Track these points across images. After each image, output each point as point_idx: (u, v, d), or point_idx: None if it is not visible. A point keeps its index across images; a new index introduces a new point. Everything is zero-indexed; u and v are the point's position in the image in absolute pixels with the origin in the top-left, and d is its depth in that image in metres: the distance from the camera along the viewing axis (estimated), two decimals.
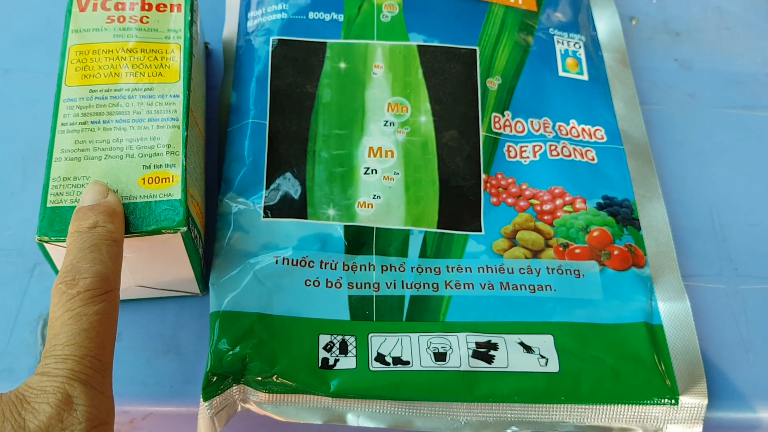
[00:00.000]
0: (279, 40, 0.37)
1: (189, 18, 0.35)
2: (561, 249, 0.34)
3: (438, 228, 0.34)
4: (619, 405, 0.30)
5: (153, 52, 0.34)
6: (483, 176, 0.35)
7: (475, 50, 0.38)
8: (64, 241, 0.28)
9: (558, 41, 0.39)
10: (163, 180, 0.30)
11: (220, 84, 0.38)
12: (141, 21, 0.34)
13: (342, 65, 0.37)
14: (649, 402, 0.30)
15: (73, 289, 0.24)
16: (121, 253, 0.26)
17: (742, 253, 0.36)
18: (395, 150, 0.35)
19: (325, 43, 0.37)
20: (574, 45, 0.40)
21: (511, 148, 0.36)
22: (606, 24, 0.42)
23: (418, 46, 0.37)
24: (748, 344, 0.34)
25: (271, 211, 0.33)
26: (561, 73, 0.38)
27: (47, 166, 0.30)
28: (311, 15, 0.37)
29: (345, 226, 0.33)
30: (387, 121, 0.36)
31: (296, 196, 0.33)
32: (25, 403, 0.23)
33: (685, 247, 0.36)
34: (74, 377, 0.23)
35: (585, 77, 0.39)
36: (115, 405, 0.24)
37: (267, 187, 0.33)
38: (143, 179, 0.30)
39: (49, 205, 0.29)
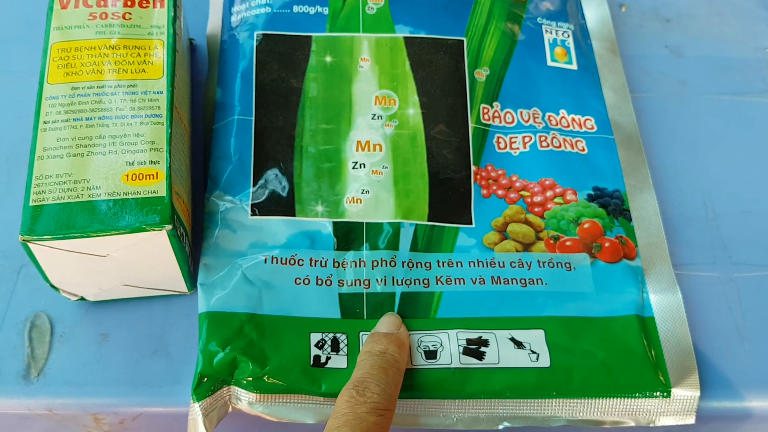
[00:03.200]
0: (263, 34, 0.36)
1: (172, 14, 0.34)
2: (552, 241, 0.33)
3: (428, 221, 0.33)
4: (611, 398, 0.30)
5: (136, 48, 0.33)
6: (473, 168, 0.35)
7: (463, 41, 0.37)
8: (47, 240, 0.28)
9: (546, 30, 0.39)
10: (148, 177, 0.30)
11: (205, 80, 0.38)
12: (123, 17, 0.34)
13: (328, 59, 0.36)
14: (641, 395, 0.30)
15: (362, 397, 0.26)
16: (401, 381, 0.28)
17: (735, 240, 0.36)
18: (383, 143, 0.35)
19: (311, 36, 0.36)
20: (563, 34, 0.39)
21: (500, 140, 0.36)
22: (595, 12, 0.41)
23: (405, 38, 0.37)
24: (743, 332, 0.33)
25: (258, 208, 0.33)
26: (550, 63, 0.38)
27: (30, 165, 0.29)
28: (296, 8, 0.37)
29: (334, 223, 0.33)
30: (375, 115, 0.35)
31: (284, 194, 0.33)
32: None
33: (678, 236, 0.36)
34: None
35: (574, 66, 0.38)
36: (104, 405, 0.24)
37: (254, 185, 0.33)
38: (127, 176, 0.30)
39: (31, 204, 0.29)
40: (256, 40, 0.36)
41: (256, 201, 0.33)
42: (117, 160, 0.30)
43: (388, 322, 0.30)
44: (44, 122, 0.30)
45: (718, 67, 0.42)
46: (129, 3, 0.34)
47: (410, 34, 0.37)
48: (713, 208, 0.37)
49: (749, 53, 0.43)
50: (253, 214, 0.32)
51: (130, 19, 0.34)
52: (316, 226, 0.33)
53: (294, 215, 0.33)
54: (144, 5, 0.34)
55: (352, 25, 0.37)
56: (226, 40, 0.37)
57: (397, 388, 0.28)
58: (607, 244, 0.33)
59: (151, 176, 0.30)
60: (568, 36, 0.39)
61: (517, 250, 0.33)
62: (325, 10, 0.37)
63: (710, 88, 0.41)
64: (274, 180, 0.33)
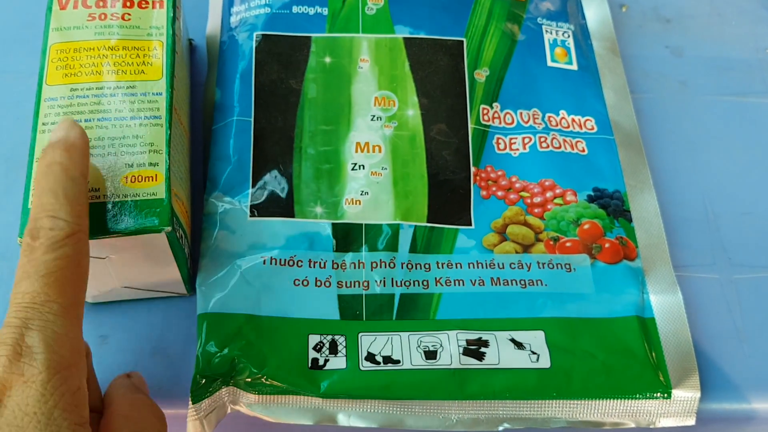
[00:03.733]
0: (263, 35, 0.36)
1: (171, 14, 0.34)
2: (551, 243, 0.33)
3: (428, 222, 0.33)
4: (612, 400, 0.30)
5: (135, 49, 0.33)
6: (472, 169, 0.35)
7: (462, 42, 0.37)
8: None
9: (546, 31, 0.39)
10: (147, 179, 0.30)
11: (205, 81, 0.38)
12: (123, 18, 0.34)
13: (327, 60, 0.36)
14: (641, 396, 0.30)
15: (36, 239, 0.24)
16: (83, 188, 0.25)
17: (735, 242, 0.36)
18: (383, 145, 0.35)
19: (310, 37, 0.36)
20: (563, 34, 0.39)
21: (500, 141, 0.36)
22: (595, 12, 0.41)
23: (404, 38, 0.37)
24: (743, 334, 0.33)
25: (257, 210, 0.33)
26: (550, 63, 0.38)
27: (28, 167, 0.29)
28: (295, 9, 0.37)
29: (333, 224, 0.33)
30: (374, 116, 0.35)
31: (283, 195, 0.33)
32: None
33: (678, 237, 0.36)
34: (31, 325, 0.23)
35: (574, 67, 0.38)
36: None
37: (253, 186, 0.33)
38: (126, 178, 0.29)
39: (30, 206, 0.28)
40: (256, 40, 0.36)
41: (255, 202, 0.33)
42: (116, 162, 0.30)
43: (58, 128, 0.27)
44: (43, 124, 0.30)
45: (719, 68, 0.42)
46: (128, 4, 0.34)
47: (410, 34, 0.37)
48: (713, 210, 0.37)
49: (750, 54, 0.43)
50: (252, 215, 0.32)
51: (129, 19, 0.34)
52: (315, 227, 0.32)
53: (293, 216, 0.33)
54: (143, 6, 0.34)
55: (352, 25, 0.37)
56: (226, 40, 0.37)
57: (76, 200, 0.25)
58: (607, 245, 0.33)
59: (151, 178, 0.30)
60: (569, 36, 0.39)
61: (516, 252, 0.33)
62: (325, 11, 0.37)
63: (711, 89, 0.41)
64: (273, 181, 0.33)
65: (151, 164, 0.30)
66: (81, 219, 0.25)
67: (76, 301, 0.24)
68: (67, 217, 0.24)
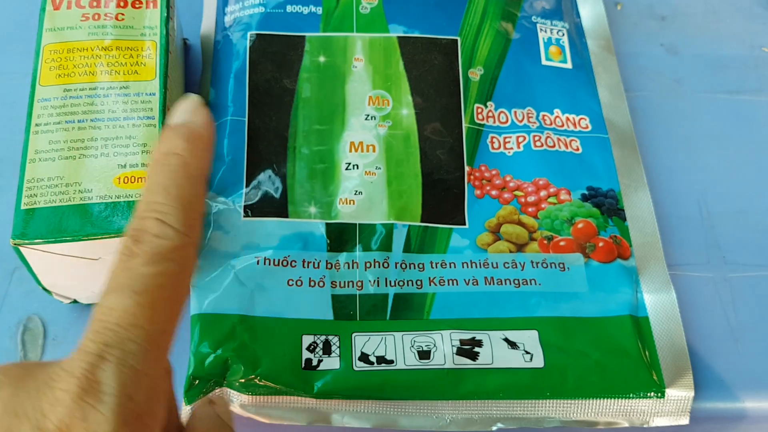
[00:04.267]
0: (257, 34, 0.36)
1: (165, 14, 0.34)
2: (545, 242, 0.33)
3: (422, 222, 0.33)
4: (605, 399, 0.30)
5: (129, 49, 0.33)
6: (466, 168, 0.35)
7: (457, 40, 0.37)
8: (38, 243, 0.28)
9: (541, 29, 0.39)
10: (140, 179, 0.30)
11: (199, 80, 0.38)
12: (116, 18, 0.34)
13: (321, 59, 0.36)
14: (635, 395, 0.30)
15: (137, 245, 0.20)
16: (201, 192, 0.22)
17: (730, 240, 0.36)
18: (377, 144, 0.34)
19: (304, 36, 0.36)
20: (558, 32, 0.39)
21: (494, 140, 0.36)
22: (590, 10, 0.41)
23: (399, 37, 0.37)
24: (737, 333, 0.33)
25: (251, 210, 0.33)
26: (544, 62, 0.38)
27: (21, 168, 0.29)
28: (289, 8, 0.37)
29: (327, 224, 0.33)
30: (368, 115, 0.35)
31: (277, 195, 0.33)
32: (48, 391, 0.18)
33: (672, 235, 0.36)
34: (108, 355, 0.18)
35: (569, 65, 0.38)
36: None
37: (247, 186, 0.33)
38: (119, 178, 0.29)
39: (23, 207, 0.29)
40: (250, 40, 0.36)
41: (249, 202, 0.33)
42: (109, 162, 0.30)
43: (182, 109, 0.23)
44: (36, 125, 0.30)
45: (714, 66, 0.42)
46: (122, 3, 0.34)
47: (404, 33, 0.37)
48: (708, 208, 0.37)
49: (745, 51, 0.43)
50: (246, 215, 0.32)
51: (122, 19, 0.34)
52: (309, 227, 0.32)
53: (287, 216, 0.33)
54: (137, 6, 0.34)
55: (346, 24, 0.37)
56: (220, 40, 0.37)
57: (195, 202, 0.22)
58: (601, 244, 0.33)
59: (143, 179, 0.30)
60: (563, 35, 0.39)
61: (510, 251, 0.33)
62: (319, 10, 0.37)
63: (706, 87, 0.41)
64: (267, 181, 0.33)
65: (144, 165, 0.30)
66: (193, 229, 0.21)
67: (167, 330, 0.20)
68: (177, 225, 0.21)
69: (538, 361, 0.30)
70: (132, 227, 0.21)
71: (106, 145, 0.30)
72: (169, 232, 0.20)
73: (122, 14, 0.34)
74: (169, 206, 0.21)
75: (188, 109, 0.23)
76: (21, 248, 0.28)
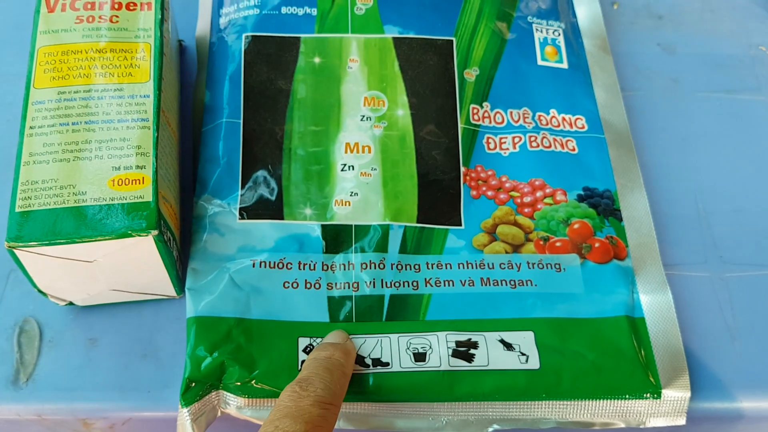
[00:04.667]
0: (252, 36, 0.36)
1: (159, 16, 0.34)
2: (542, 243, 0.33)
3: (418, 222, 0.33)
4: (601, 400, 0.30)
5: (123, 51, 0.33)
6: (462, 169, 0.35)
7: (452, 41, 0.37)
8: (33, 246, 0.28)
9: (537, 29, 0.39)
10: (134, 182, 0.30)
11: (195, 82, 0.38)
12: (111, 20, 0.34)
13: (316, 60, 0.36)
14: (631, 396, 0.30)
15: (305, 391, 0.26)
16: (347, 384, 0.28)
17: (727, 240, 0.36)
18: (372, 145, 0.34)
19: (299, 38, 0.36)
20: (554, 32, 0.39)
21: (490, 140, 0.36)
22: (586, 9, 0.41)
23: (394, 38, 0.37)
24: (734, 332, 0.33)
25: (246, 212, 0.32)
26: (540, 62, 0.38)
27: (16, 171, 0.29)
28: (284, 10, 0.37)
29: (322, 226, 0.32)
30: (363, 116, 0.35)
31: (272, 197, 0.33)
32: None
33: (669, 235, 0.36)
34: None
35: (564, 65, 0.38)
36: (93, 411, 0.23)
37: (242, 188, 0.33)
38: (113, 181, 0.29)
39: (17, 210, 0.28)
40: (245, 41, 0.36)
41: (245, 205, 0.33)
42: (103, 165, 0.30)
43: (335, 335, 0.30)
44: (30, 127, 0.30)
45: (711, 65, 0.42)
46: (116, 6, 0.34)
47: (399, 34, 0.37)
48: (705, 207, 0.37)
49: (742, 50, 0.43)
50: (242, 217, 0.32)
51: (117, 22, 0.34)
52: (305, 229, 0.32)
53: (282, 218, 0.32)
54: (131, 8, 0.34)
55: (341, 25, 0.37)
56: (215, 42, 0.37)
57: (342, 389, 0.28)
58: (597, 245, 0.33)
59: (138, 181, 0.29)
60: (559, 34, 0.39)
61: (506, 252, 0.33)
62: (314, 11, 0.37)
63: (703, 86, 0.41)
64: (263, 183, 0.33)
65: (138, 167, 0.30)
66: (340, 402, 0.27)
67: None
68: (336, 390, 0.27)
69: (534, 363, 0.30)
70: (301, 380, 0.27)
71: (100, 147, 0.30)
72: (326, 394, 0.27)
73: (117, 16, 0.34)
74: (329, 394, 0.27)
75: (341, 337, 0.30)
76: (16, 251, 0.28)
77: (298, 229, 0.32)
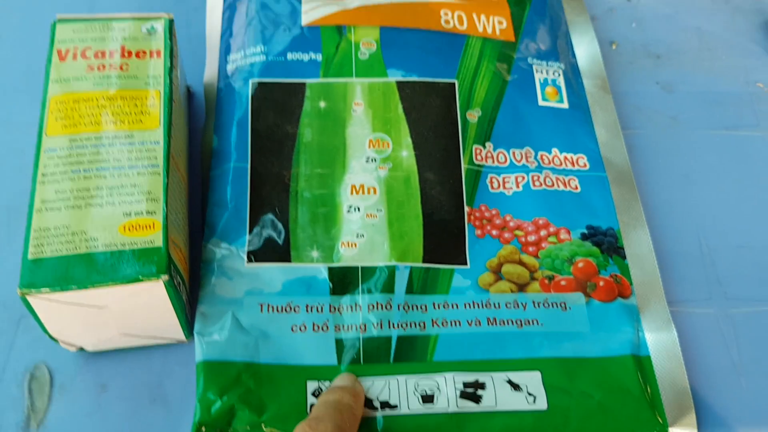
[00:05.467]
0: (258, 82, 0.37)
1: (169, 64, 0.35)
2: (546, 282, 0.34)
3: (423, 262, 0.34)
4: None
5: (133, 99, 0.34)
6: (466, 209, 0.35)
7: (454, 83, 0.38)
8: (45, 293, 0.28)
9: (537, 70, 0.40)
10: (144, 227, 0.30)
11: (203, 127, 0.38)
12: (121, 68, 0.34)
13: (322, 104, 0.37)
14: None
15: (315, 430, 0.27)
16: (356, 427, 0.29)
17: (731, 276, 0.36)
18: (377, 186, 0.35)
19: (305, 83, 0.37)
20: (554, 73, 0.40)
21: (494, 180, 0.36)
22: (585, 50, 0.42)
23: (397, 81, 0.37)
24: (740, 368, 0.33)
25: (254, 255, 0.33)
26: (541, 102, 0.39)
27: (28, 218, 0.30)
28: (290, 56, 0.38)
29: (329, 268, 0.33)
30: (369, 158, 0.36)
31: (279, 240, 0.33)
32: None
33: (673, 272, 0.36)
34: None
35: (565, 105, 0.39)
36: None
37: (250, 232, 0.33)
38: (124, 227, 0.30)
39: (30, 257, 0.29)
40: (252, 87, 0.37)
41: (252, 248, 0.33)
42: (114, 211, 0.30)
43: (343, 378, 0.31)
44: (43, 175, 0.31)
45: (710, 102, 0.42)
46: (126, 54, 0.35)
47: (402, 77, 0.38)
48: (708, 244, 0.37)
49: (740, 87, 0.43)
50: (249, 261, 0.33)
51: (127, 70, 0.34)
52: (312, 271, 0.33)
53: (290, 261, 0.33)
54: (141, 56, 0.35)
55: (345, 70, 0.38)
56: (222, 88, 0.38)
57: (351, 428, 0.28)
58: (601, 283, 0.33)
59: (148, 226, 0.30)
60: (559, 75, 0.40)
61: (512, 291, 0.33)
62: (319, 57, 0.38)
63: (702, 123, 0.41)
64: (270, 226, 0.34)
65: (148, 212, 0.30)
66: None
67: None
68: (344, 429, 0.28)
69: (542, 403, 0.30)
70: (313, 418, 0.27)
71: (111, 193, 0.31)
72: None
73: (126, 64, 0.35)
74: (336, 426, 0.27)
75: (350, 380, 0.31)
76: (28, 298, 0.28)
77: (305, 272, 0.33)
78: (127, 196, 0.31)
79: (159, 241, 0.30)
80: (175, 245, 0.31)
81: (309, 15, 0.39)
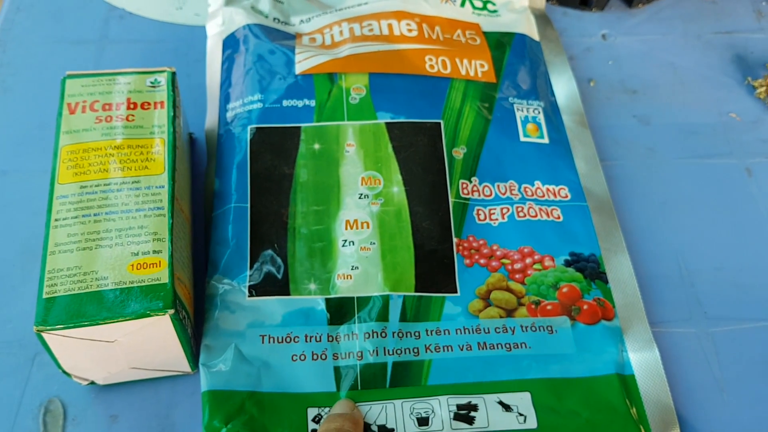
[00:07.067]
0: (256, 128, 0.39)
1: (172, 114, 0.37)
2: (533, 306, 0.35)
3: (416, 291, 0.35)
4: None
5: (139, 147, 0.36)
6: (455, 240, 0.37)
7: (440, 123, 0.40)
8: (59, 329, 0.30)
9: (518, 109, 0.42)
10: (151, 266, 0.32)
11: (205, 170, 0.41)
12: (127, 119, 0.37)
13: (316, 146, 0.39)
14: None
15: None
16: None
17: (710, 296, 0.38)
18: (370, 221, 0.37)
19: (300, 127, 0.39)
20: (534, 111, 0.42)
21: (480, 212, 0.38)
22: (563, 88, 0.44)
23: (386, 123, 0.40)
24: (722, 384, 0.35)
25: (255, 290, 0.35)
26: (522, 139, 0.41)
27: (42, 260, 0.32)
28: (285, 103, 0.40)
29: (326, 299, 0.35)
30: (361, 194, 0.38)
31: (279, 274, 0.35)
32: None
33: (654, 294, 0.38)
34: None
35: (546, 140, 0.41)
36: None
37: (251, 267, 0.35)
38: (132, 266, 0.32)
39: (45, 296, 0.31)
40: (250, 132, 0.39)
41: (253, 283, 0.35)
42: (123, 251, 0.32)
43: (342, 405, 0.32)
44: (55, 220, 0.33)
45: (685, 133, 0.45)
46: (132, 106, 0.37)
47: (391, 119, 0.40)
48: (686, 267, 0.39)
49: (713, 118, 0.46)
50: (251, 295, 0.35)
51: (132, 120, 0.37)
52: (310, 303, 0.35)
53: (288, 294, 0.35)
54: (146, 107, 0.37)
55: (337, 114, 0.40)
56: (223, 134, 0.40)
57: None
58: (585, 307, 0.35)
59: (155, 265, 0.32)
60: (539, 112, 0.42)
61: (500, 316, 0.35)
62: (312, 102, 0.40)
63: (678, 153, 0.44)
64: (269, 262, 0.36)
65: (155, 251, 0.32)
66: None
67: None
68: None
69: (532, 422, 0.32)
70: None
71: (120, 235, 0.33)
72: None
73: (132, 115, 0.37)
74: None
75: (348, 406, 0.32)
76: (43, 334, 0.30)
77: (303, 304, 0.35)
78: (134, 236, 0.33)
79: (165, 278, 0.31)
80: (180, 282, 0.33)
81: (302, 64, 0.42)
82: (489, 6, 0.47)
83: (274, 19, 0.45)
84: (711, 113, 0.46)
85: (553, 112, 0.43)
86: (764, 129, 0.45)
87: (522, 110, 0.42)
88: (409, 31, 0.45)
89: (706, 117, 0.46)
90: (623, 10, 0.51)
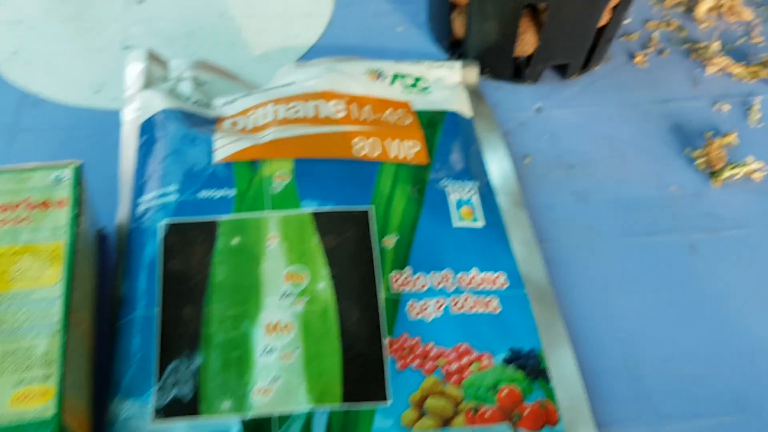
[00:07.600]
0: (169, 223, 0.36)
1: (74, 213, 0.34)
2: (472, 413, 0.32)
3: (343, 401, 0.32)
4: None
5: (35, 253, 0.33)
6: (386, 340, 0.34)
7: (368, 210, 0.38)
8: None
9: (451, 191, 0.40)
10: (37, 396, 0.28)
11: (114, 272, 0.37)
12: (23, 222, 0.34)
13: (234, 241, 0.36)
14: None
15: None
16: None
17: (659, 390, 0.35)
18: (294, 323, 0.34)
19: (216, 221, 0.37)
20: (468, 192, 0.40)
21: (414, 306, 0.36)
22: (498, 166, 0.43)
23: (312, 213, 0.37)
24: None
25: (161, 411, 0.31)
26: (456, 224, 0.39)
27: None
28: (202, 194, 0.37)
29: (242, 421, 0.31)
30: (284, 293, 0.35)
31: (188, 391, 0.32)
32: None
33: (600, 390, 0.35)
34: None
35: (480, 224, 0.39)
36: None
37: (157, 385, 0.32)
38: (14, 398, 0.28)
39: None
40: (163, 229, 0.36)
41: (159, 403, 0.31)
42: (5, 381, 0.29)
43: None
44: None
45: (625, 209, 0.43)
46: (31, 206, 0.34)
47: (317, 207, 0.38)
48: (633, 357, 0.37)
49: (654, 191, 0.44)
50: (157, 416, 0.31)
51: (31, 222, 0.34)
52: (222, 425, 0.31)
53: (198, 414, 0.31)
54: (45, 207, 0.34)
55: (258, 204, 0.37)
56: (132, 230, 0.37)
57: None
58: (527, 412, 0.32)
59: (41, 395, 0.28)
60: (474, 193, 0.40)
61: (436, 428, 0.32)
62: (232, 193, 0.38)
63: (618, 231, 0.42)
64: (178, 378, 0.32)
65: (43, 377, 0.29)
66: None
67: None
68: None
69: None
70: None
71: (3, 362, 0.29)
72: None
73: (31, 217, 0.34)
74: None
75: None
76: None
77: (215, 427, 0.31)
78: (20, 361, 0.29)
79: (52, 410, 0.28)
80: (72, 410, 0.29)
81: (221, 151, 0.39)
82: (420, 83, 0.46)
83: (195, 101, 0.43)
84: (651, 187, 0.44)
85: (487, 192, 0.41)
86: (706, 202, 0.44)
87: (455, 192, 0.40)
88: (337, 112, 0.43)
89: (646, 191, 0.44)
90: (557, 81, 0.50)
